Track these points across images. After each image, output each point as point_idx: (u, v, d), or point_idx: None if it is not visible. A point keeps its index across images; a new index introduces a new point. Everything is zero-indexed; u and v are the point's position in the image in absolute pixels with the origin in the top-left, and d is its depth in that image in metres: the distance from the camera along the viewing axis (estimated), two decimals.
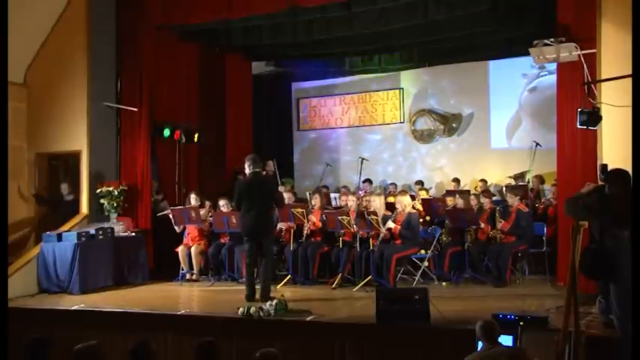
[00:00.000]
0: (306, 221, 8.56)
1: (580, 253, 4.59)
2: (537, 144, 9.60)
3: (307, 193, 10.07)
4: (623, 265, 4.38)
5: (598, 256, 4.58)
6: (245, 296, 7.37)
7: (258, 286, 7.52)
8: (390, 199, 9.72)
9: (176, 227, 9.15)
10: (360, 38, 10.73)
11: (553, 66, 10.94)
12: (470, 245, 8.40)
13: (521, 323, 5.12)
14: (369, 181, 11.66)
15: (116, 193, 9.35)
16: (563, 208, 4.75)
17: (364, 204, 8.72)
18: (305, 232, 8.66)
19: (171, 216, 9.10)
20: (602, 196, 4.66)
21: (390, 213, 8.58)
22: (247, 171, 7.62)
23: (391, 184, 12.36)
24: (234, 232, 8.73)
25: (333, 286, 8.21)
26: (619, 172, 4.81)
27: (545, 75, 11.78)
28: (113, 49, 9.88)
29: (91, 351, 4.14)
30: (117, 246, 8.87)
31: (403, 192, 9.19)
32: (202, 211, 9.27)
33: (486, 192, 9.29)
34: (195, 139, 10.98)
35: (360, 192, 10.33)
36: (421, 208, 9.32)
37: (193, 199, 9.37)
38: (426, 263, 8.41)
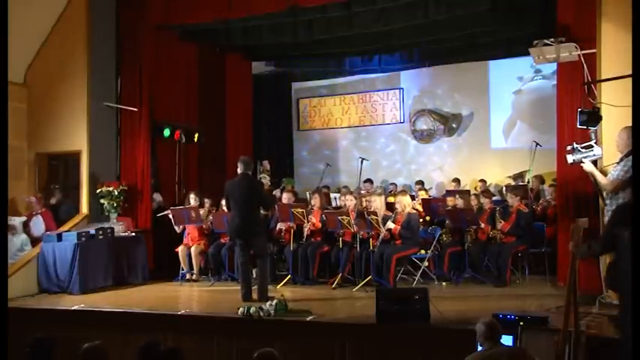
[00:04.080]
0: (306, 221, 8.56)
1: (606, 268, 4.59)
2: (537, 144, 9.60)
3: (307, 193, 10.08)
4: (622, 267, 4.38)
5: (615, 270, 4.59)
6: (241, 296, 7.37)
7: (255, 287, 7.52)
8: (390, 199, 9.72)
9: (176, 227, 9.16)
10: (360, 38, 10.73)
11: (549, 70, 11.12)
12: (470, 245, 8.40)
13: (521, 323, 5.12)
14: (369, 181, 11.66)
15: (116, 193, 9.35)
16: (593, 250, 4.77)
17: (364, 204, 8.72)
18: (305, 232, 8.67)
19: (171, 216, 9.11)
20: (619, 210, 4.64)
21: (390, 213, 8.58)
22: (238, 171, 7.64)
23: (391, 184, 12.38)
24: None
25: (333, 286, 8.21)
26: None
27: (540, 79, 11.86)
28: (113, 48, 9.88)
29: (97, 351, 4.16)
30: (117, 246, 8.87)
31: (403, 192, 9.19)
32: (202, 211, 9.28)
33: (486, 192, 9.30)
34: (195, 139, 10.98)
35: (362, 192, 10.32)
36: (421, 209, 9.31)
37: (192, 199, 9.38)
38: (426, 263, 8.41)
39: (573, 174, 7.21)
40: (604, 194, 5.96)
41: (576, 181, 7.25)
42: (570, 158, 6.04)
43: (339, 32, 10.02)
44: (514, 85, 12.28)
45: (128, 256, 9.04)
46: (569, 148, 6.11)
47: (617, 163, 5.78)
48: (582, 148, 6.01)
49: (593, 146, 6.04)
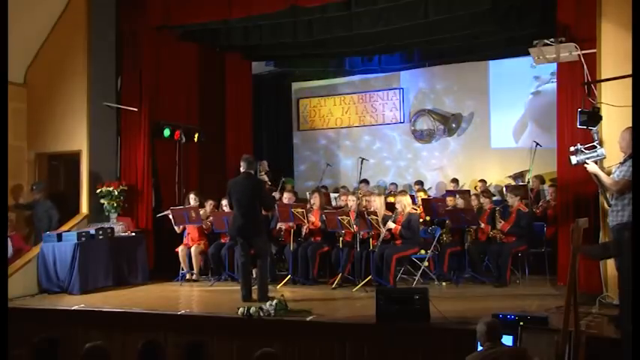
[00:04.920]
0: (305, 221, 8.56)
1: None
2: (537, 144, 9.59)
3: (307, 193, 10.07)
4: (623, 266, 4.39)
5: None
6: (241, 296, 7.37)
7: (255, 287, 7.51)
8: (390, 199, 9.71)
9: (176, 227, 9.16)
10: (360, 38, 10.71)
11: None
12: (470, 245, 8.41)
13: (521, 323, 5.12)
14: (365, 181, 11.64)
15: (116, 193, 9.35)
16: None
17: (364, 204, 8.72)
18: (304, 232, 8.66)
19: (171, 216, 9.11)
20: None
21: (390, 213, 8.58)
22: (241, 170, 7.63)
23: (391, 184, 12.37)
24: None
25: (333, 286, 8.21)
26: None
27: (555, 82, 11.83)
28: (113, 49, 9.89)
29: (100, 351, 4.16)
30: (117, 246, 8.87)
31: (403, 192, 9.19)
32: (202, 211, 9.27)
33: (486, 192, 9.30)
34: (196, 139, 10.98)
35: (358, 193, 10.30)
36: (420, 211, 9.30)
37: (192, 199, 9.37)
38: (426, 263, 8.41)
39: (573, 174, 7.22)
40: (607, 195, 5.95)
41: (576, 181, 7.24)
42: (574, 159, 5.99)
43: (339, 32, 10.00)
44: (514, 85, 12.25)
45: (128, 256, 9.05)
46: (572, 149, 6.06)
47: (621, 163, 5.77)
48: (585, 148, 5.98)
49: (596, 147, 6.01)
